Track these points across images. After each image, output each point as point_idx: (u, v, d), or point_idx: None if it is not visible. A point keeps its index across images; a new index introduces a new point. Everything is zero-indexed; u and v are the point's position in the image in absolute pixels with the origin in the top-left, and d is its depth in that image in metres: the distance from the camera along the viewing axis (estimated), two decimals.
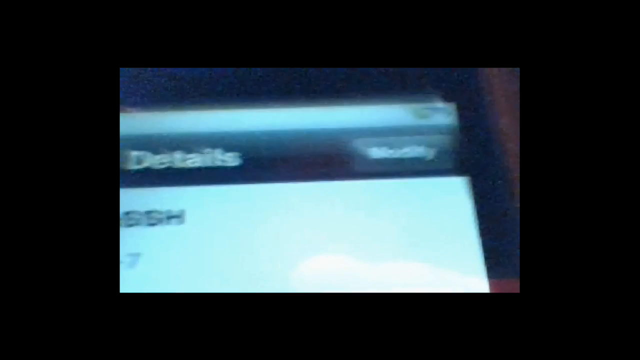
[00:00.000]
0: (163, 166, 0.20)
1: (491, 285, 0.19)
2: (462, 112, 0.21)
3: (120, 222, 0.20)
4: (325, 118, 0.21)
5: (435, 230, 0.20)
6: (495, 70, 0.22)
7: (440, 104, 0.21)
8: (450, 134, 0.21)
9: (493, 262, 0.19)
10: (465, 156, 0.21)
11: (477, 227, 0.20)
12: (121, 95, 0.21)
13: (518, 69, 0.18)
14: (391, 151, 0.21)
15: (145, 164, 0.21)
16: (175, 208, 0.20)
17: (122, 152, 0.20)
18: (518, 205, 0.20)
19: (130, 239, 0.19)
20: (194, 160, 0.21)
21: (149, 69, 0.21)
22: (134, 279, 0.19)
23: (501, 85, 0.21)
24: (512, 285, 0.18)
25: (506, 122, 0.21)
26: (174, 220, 0.20)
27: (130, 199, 0.20)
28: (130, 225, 0.20)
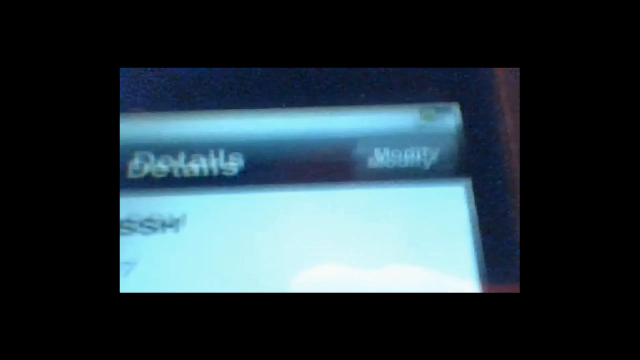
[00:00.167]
0: (162, 174, 0.20)
1: (490, 291, 0.19)
2: (466, 113, 0.21)
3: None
4: (327, 122, 0.21)
5: (436, 236, 0.20)
6: (499, 70, 0.22)
7: (444, 105, 0.21)
8: (455, 135, 0.21)
9: (492, 268, 0.19)
10: (468, 157, 0.21)
11: (478, 230, 0.20)
12: (121, 97, 0.21)
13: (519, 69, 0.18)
14: (395, 154, 0.21)
15: (145, 170, 0.20)
16: (173, 216, 0.20)
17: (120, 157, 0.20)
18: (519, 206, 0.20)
19: (125, 247, 0.19)
20: (194, 166, 0.20)
21: (149, 69, 0.21)
22: (129, 288, 0.19)
23: (505, 86, 0.21)
24: (512, 290, 0.18)
25: (509, 124, 0.21)
26: (170, 229, 0.19)
27: (128, 205, 0.20)
28: (126, 234, 0.19)
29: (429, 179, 0.20)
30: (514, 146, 0.21)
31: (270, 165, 0.20)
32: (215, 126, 0.21)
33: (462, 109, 0.21)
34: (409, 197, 0.20)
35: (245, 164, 0.20)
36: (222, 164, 0.20)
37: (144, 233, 0.19)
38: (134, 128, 0.21)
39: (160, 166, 0.20)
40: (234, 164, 0.20)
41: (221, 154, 0.20)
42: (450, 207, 0.20)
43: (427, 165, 0.21)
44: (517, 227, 0.20)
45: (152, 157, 0.20)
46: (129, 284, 0.19)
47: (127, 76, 0.21)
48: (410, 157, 0.21)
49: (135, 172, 0.20)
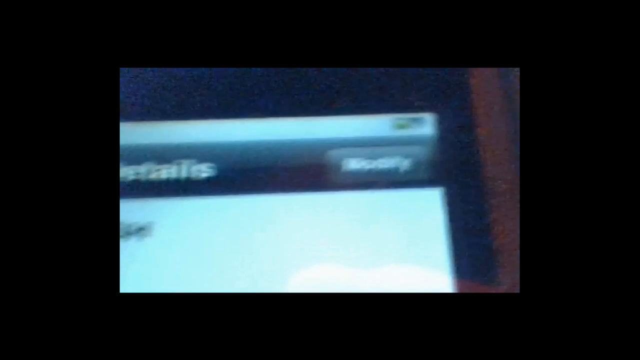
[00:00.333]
0: (129, 180, 0.20)
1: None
2: (441, 123, 0.21)
3: None
4: (301, 129, 0.21)
5: (408, 242, 0.19)
6: (475, 80, 0.22)
7: (419, 115, 0.21)
8: (428, 145, 0.21)
9: (463, 274, 0.19)
10: (441, 167, 0.20)
11: (449, 239, 0.19)
12: None
13: (500, 72, 0.18)
14: (368, 162, 0.20)
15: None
16: (140, 222, 0.19)
17: None
18: (491, 216, 0.20)
19: None
20: (165, 172, 0.20)
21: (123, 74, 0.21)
22: None
23: (481, 96, 0.21)
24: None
25: (484, 133, 0.21)
26: (134, 237, 0.19)
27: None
28: None
29: (401, 187, 0.20)
30: (487, 156, 0.21)
31: (242, 172, 0.20)
32: (187, 134, 0.21)
33: (437, 119, 0.21)
34: (383, 202, 0.20)
35: (217, 171, 0.20)
36: (191, 171, 0.20)
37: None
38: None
39: (127, 172, 0.20)
40: (206, 171, 0.20)
41: (191, 161, 0.20)
42: (425, 211, 0.20)
43: (400, 175, 0.20)
44: (490, 235, 0.19)
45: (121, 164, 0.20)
46: None
47: None
48: (384, 165, 0.20)
49: None
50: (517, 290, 0.18)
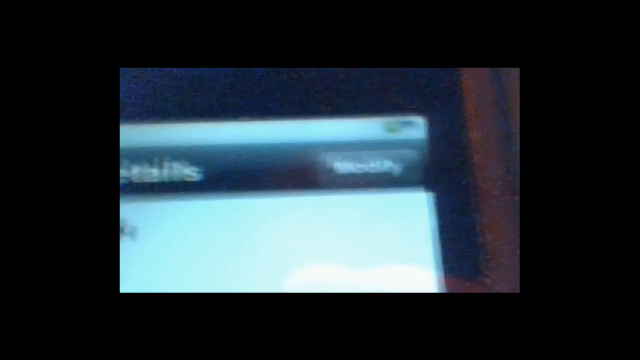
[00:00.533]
0: (124, 181, 0.20)
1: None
2: (432, 126, 0.21)
3: None
4: (293, 131, 0.21)
5: (398, 245, 0.19)
6: (467, 82, 0.21)
7: (410, 118, 0.21)
8: (419, 148, 0.21)
9: (453, 276, 0.19)
10: (431, 170, 0.20)
11: (440, 241, 0.19)
12: None
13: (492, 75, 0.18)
14: (358, 165, 0.20)
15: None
16: (127, 225, 0.19)
17: None
18: (481, 221, 0.20)
19: None
20: (155, 174, 0.20)
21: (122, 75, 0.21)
22: None
23: (473, 98, 0.21)
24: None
25: (475, 136, 0.21)
26: (126, 237, 0.19)
27: None
28: None
29: (392, 190, 0.20)
30: (478, 158, 0.21)
31: (233, 174, 0.20)
32: (177, 136, 0.20)
33: (428, 122, 0.21)
34: (372, 205, 0.20)
35: (207, 174, 0.20)
36: (180, 174, 0.20)
37: None
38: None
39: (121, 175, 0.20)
40: (195, 174, 0.20)
41: (181, 164, 0.20)
42: (415, 214, 0.20)
43: (391, 177, 0.20)
44: (481, 237, 0.19)
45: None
46: None
47: None
48: (375, 168, 0.20)
49: None
50: (509, 290, 0.18)
